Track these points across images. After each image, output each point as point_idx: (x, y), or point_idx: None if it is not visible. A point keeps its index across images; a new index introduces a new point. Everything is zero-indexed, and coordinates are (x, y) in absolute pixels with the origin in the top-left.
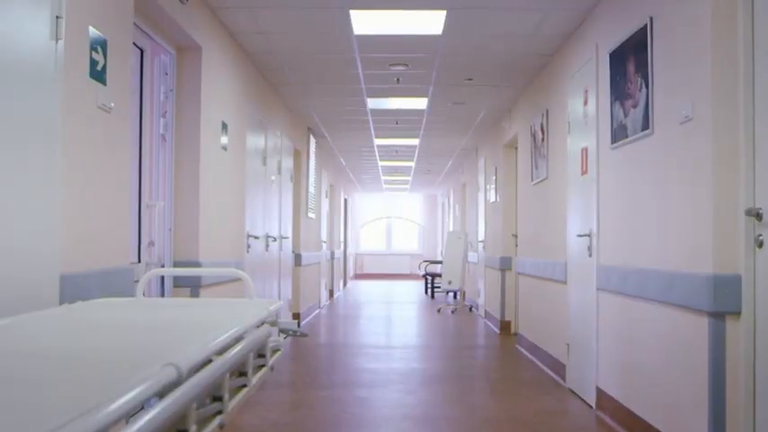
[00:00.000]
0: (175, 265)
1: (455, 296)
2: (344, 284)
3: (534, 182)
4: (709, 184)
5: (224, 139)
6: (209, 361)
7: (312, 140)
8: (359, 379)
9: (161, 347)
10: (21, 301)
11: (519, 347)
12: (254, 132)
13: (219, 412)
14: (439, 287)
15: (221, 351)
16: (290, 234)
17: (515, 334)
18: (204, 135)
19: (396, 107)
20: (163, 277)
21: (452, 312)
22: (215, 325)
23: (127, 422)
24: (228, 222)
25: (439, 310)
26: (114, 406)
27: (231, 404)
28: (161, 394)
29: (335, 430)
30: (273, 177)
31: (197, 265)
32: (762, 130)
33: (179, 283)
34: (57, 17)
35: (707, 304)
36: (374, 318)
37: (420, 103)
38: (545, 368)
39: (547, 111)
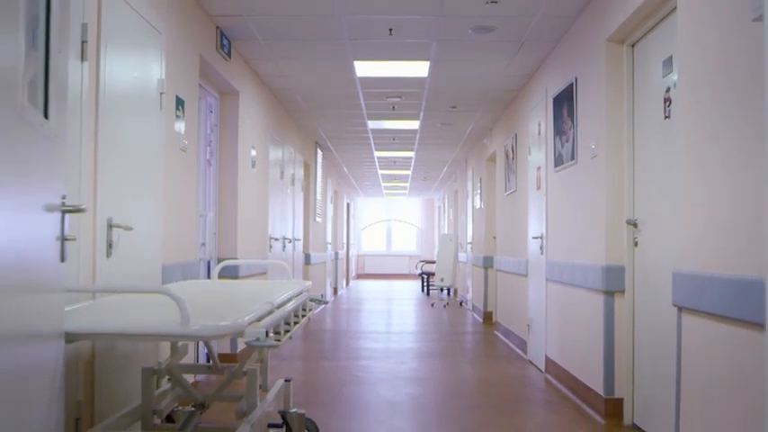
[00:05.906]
0: (219, 261)
1: (448, 292)
2: (347, 283)
3: (507, 193)
4: (603, 202)
5: (253, 159)
6: (277, 308)
7: (319, 153)
8: (361, 354)
9: (257, 297)
10: (143, 282)
11: (496, 333)
12: (274, 151)
13: (287, 331)
14: (433, 285)
15: (286, 302)
16: (300, 236)
17: (495, 322)
18: (240, 159)
19: (392, 127)
20: (208, 268)
21: (444, 306)
22: (280, 290)
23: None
24: (256, 227)
25: (432, 305)
26: (255, 313)
27: (294, 329)
28: (263, 317)
29: (342, 386)
30: (288, 188)
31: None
32: (638, 167)
33: (221, 274)
34: (161, 93)
35: (602, 286)
36: (374, 311)
37: (413, 125)
38: (513, 346)
39: (516, 134)
